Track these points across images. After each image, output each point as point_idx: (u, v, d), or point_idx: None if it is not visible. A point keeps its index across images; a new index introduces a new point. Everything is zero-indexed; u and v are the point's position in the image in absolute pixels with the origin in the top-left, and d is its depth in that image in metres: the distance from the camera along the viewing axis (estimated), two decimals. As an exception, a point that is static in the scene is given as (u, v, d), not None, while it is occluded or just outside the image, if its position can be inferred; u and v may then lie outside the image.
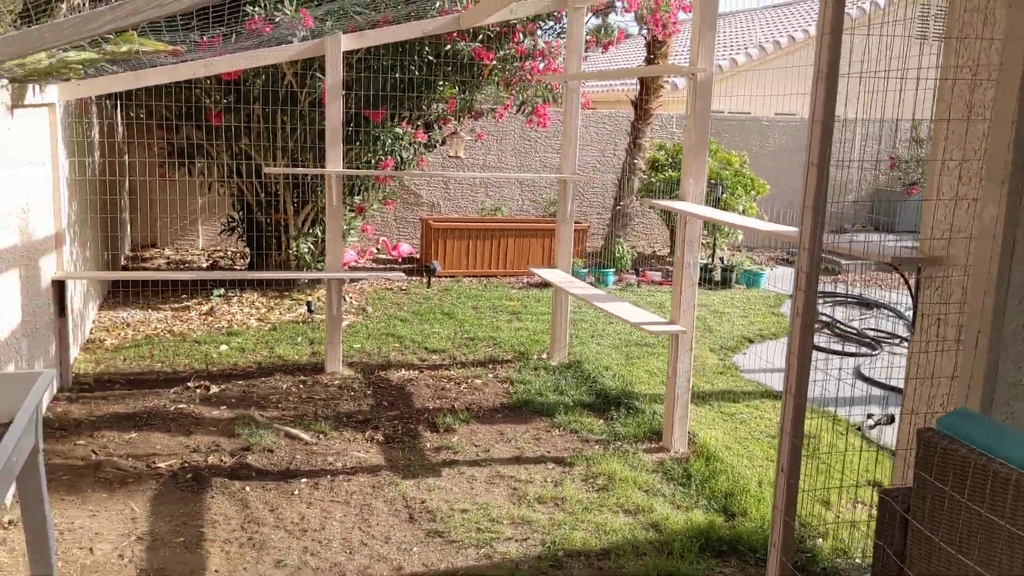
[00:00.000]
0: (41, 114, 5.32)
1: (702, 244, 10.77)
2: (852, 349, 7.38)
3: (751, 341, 7.68)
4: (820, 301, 9.17)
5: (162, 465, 4.55)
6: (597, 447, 5.03)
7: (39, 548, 2.90)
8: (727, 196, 10.45)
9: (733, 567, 3.77)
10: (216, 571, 3.57)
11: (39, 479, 2.82)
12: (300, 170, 6.52)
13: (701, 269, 10.13)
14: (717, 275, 10.06)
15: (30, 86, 4.75)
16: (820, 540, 3.90)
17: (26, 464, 2.74)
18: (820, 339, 7.61)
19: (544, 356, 6.77)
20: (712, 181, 10.34)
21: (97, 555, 3.65)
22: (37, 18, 4.85)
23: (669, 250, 12.10)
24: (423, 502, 4.26)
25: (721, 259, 10.58)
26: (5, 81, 4.30)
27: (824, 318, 8.34)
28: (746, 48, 17.04)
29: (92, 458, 4.59)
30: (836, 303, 9.22)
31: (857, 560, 3.74)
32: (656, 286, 9.92)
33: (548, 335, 7.02)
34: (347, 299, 8.52)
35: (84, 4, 5.33)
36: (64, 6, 5.33)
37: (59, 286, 5.54)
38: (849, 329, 7.88)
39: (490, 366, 6.55)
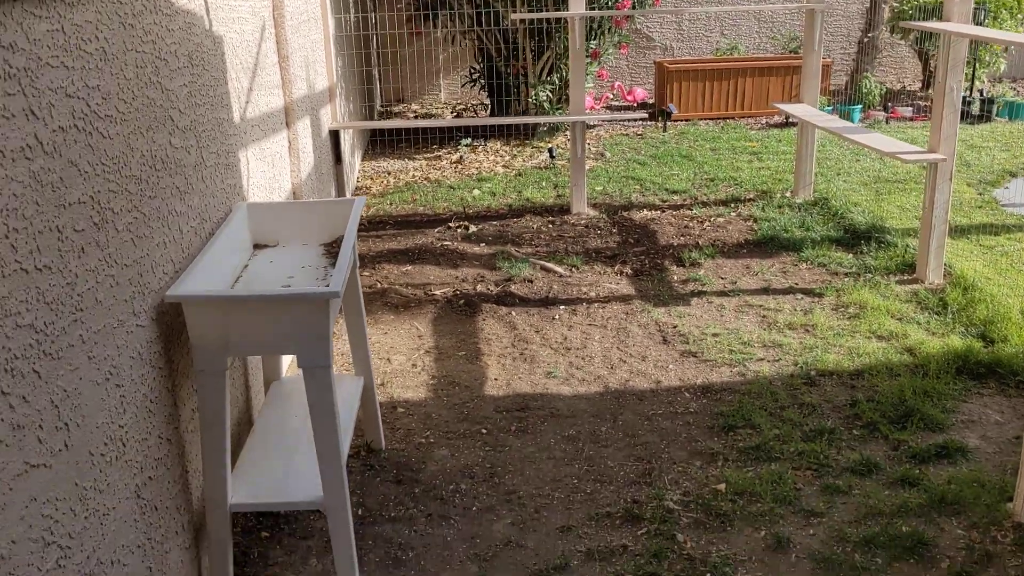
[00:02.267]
0: (311, -25, 5.77)
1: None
2: None
3: (1013, 175, 7.21)
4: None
5: (437, 292, 5.08)
6: (847, 279, 5.06)
7: (359, 351, 3.42)
8: (989, 21, 9.56)
9: (992, 388, 3.79)
10: (496, 379, 4.04)
11: (357, 292, 3.31)
12: (543, 14, 6.65)
13: (958, 102, 9.46)
14: (975, 108, 9.36)
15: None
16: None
17: (348, 279, 3.22)
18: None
19: (788, 194, 6.72)
20: (974, 6, 9.48)
21: (394, 364, 4.22)
22: None
23: (921, 84, 11.30)
24: (675, 327, 4.53)
25: (980, 91, 9.81)
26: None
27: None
28: None
29: (378, 286, 5.19)
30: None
31: None
32: (907, 122, 9.39)
33: (791, 174, 6.94)
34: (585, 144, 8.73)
35: None
36: None
37: (335, 135, 6.12)
38: None
39: (732, 205, 6.60)
